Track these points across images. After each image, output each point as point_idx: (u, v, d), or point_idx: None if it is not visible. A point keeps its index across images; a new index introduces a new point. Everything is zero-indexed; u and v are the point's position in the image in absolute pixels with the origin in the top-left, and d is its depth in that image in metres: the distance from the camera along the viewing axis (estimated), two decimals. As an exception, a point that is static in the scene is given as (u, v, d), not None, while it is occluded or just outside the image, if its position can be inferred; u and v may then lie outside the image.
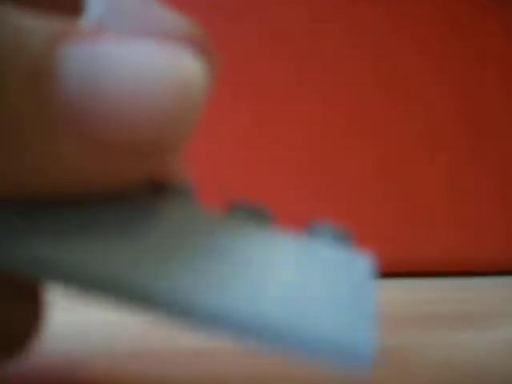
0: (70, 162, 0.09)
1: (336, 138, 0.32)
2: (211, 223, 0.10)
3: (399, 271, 0.32)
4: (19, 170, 0.09)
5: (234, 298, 0.09)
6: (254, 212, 0.11)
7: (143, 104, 0.09)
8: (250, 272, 0.10)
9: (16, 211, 0.09)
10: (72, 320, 0.20)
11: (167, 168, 0.11)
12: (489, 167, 0.33)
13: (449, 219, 0.32)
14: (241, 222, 0.11)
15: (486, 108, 0.33)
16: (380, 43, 0.32)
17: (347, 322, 0.10)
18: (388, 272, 0.31)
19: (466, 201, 0.32)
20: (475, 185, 0.33)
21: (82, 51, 0.09)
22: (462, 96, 0.33)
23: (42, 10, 0.12)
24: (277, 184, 0.32)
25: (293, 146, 0.32)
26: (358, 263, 0.11)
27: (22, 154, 0.09)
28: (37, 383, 0.14)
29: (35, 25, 0.09)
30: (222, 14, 0.31)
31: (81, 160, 0.09)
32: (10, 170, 0.09)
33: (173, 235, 0.10)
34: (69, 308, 0.20)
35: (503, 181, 0.33)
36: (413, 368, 0.16)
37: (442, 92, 0.32)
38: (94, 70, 0.09)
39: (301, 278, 0.10)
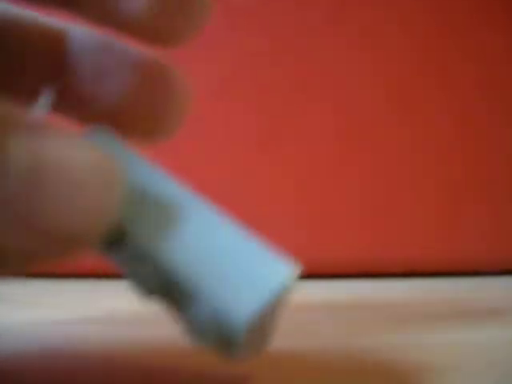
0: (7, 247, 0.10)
1: (335, 147, 0.32)
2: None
3: (399, 271, 0.32)
4: None
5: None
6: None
7: (73, 196, 0.10)
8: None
9: None
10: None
11: None
12: (489, 168, 0.33)
13: (449, 219, 0.32)
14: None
15: (483, 111, 0.33)
16: (383, 47, 0.32)
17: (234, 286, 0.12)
18: (388, 272, 0.31)
19: (466, 201, 0.32)
20: (474, 185, 0.33)
21: (27, 147, 0.10)
22: (459, 99, 0.33)
23: None
24: (275, 195, 0.32)
25: (293, 153, 0.32)
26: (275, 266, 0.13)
27: None
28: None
29: None
30: (224, 14, 0.31)
31: (17, 245, 0.10)
32: None
33: None
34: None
35: (503, 181, 0.33)
36: (413, 368, 0.16)
37: (440, 99, 0.32)
38: (36, 167, 0.10)
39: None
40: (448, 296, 0.27)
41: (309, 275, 0.30)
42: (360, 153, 0.32)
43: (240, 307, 0.11)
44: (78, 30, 0.15)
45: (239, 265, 0.12)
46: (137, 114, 0.15)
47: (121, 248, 0.12)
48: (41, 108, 0.13)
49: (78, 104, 0.14)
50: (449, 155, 0.32)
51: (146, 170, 0.13)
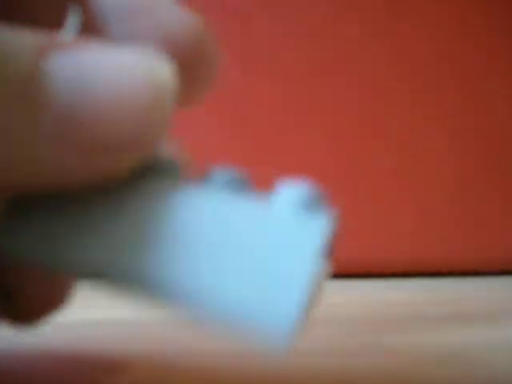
0: (55, 163, 0.10)
1: (335, 148, 0.32)
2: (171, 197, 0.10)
3: (400, 271, 0.32)
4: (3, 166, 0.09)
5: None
6: (232, 179, 0.11)
7: (123, 107, 0.10)
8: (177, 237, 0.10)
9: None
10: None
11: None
12: (490, 168, 0.33)
13: (448, 219, 0.32)
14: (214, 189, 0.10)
15: (494, 112, 0.33)
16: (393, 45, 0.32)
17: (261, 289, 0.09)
18: (388, 272, 0.31)
19: (467, 201, 0.32)
20: (475, 187, 0.33)
21: (66, 62, 0.10)
22: (472, 99, 0.33)
23: (23, 24, 0.12)
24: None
25: (293, 153, 0.32)
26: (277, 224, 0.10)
27: (5, 153, 0.09)
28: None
29: (21, 38, 0.10)
30: (231, 15, 0.31)
31: (67, 161, 0.10)
32: None
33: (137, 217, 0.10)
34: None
35: (503, 182, 0.33)
36: (413, 368, 0.16)
37: (454, 94, 0.32)
38: (79, 79, 0.09)
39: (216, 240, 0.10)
40: (448, 296, 0.27)
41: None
42: (360, 153, 0.32)
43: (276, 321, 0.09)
44: None
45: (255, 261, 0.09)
46: None
47: None
48: (70, 30, 0.13)
49: None
50: (449, 155, 0.32)
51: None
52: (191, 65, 0.13)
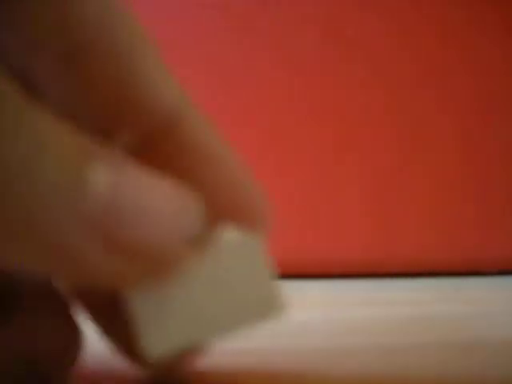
0: (95, 268, 0.11)
1: (334, 147, 0.32)
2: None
3: (400, 271, 0.32)
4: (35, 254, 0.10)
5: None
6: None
7: (155, 223, 0.11)
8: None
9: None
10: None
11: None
12: (490, 168, 0.33)
13: (449, 219, 0.32)
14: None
15: (481, 113, 0.33)
16: (382, 56, 0.32)
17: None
18: (388, 272, 0.31)
19: (467, 201, 0.32)
20: (475, 186, 0.33)
21: (108, 175, 0.10)
22: (462, 106, 0.33)
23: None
24: (276, 195, 0.32)
25: (294, 155, 0.32)
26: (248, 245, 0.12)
27: (37, 242, 0.10)
28: None
29: (70, 139, 0.10)
30: (232, 15, 0.31)
31: (104, 266, 0.11)
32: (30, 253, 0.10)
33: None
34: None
35: (503, 181, 0.33)
36: (413, 368, 0.16)
37: (437, 102, 0.32)
38: (117, 195, 0.10)
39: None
40: (448, 296, 0.27)
41: (309, 275, 0.30)
42: (360, 153, 0.32)
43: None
44: None
45: None
46: None
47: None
48: (119, 146, 0.13)
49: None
50: (449, 156, 0.32)
51: None
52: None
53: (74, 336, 0.14)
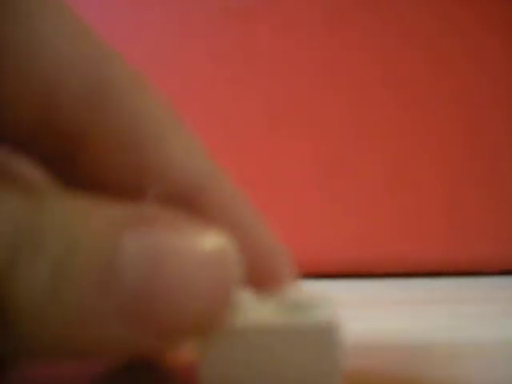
0: (132, 345, 0.10)
1: (334, 146, 0.32)
2: None
3: (400, 271, 0.32)
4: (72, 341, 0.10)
5: None
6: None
7: (195, 296, 0.10)
8: None
9: None
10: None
11: None
12: (489, 169, 0.33)
13: (449, 220, 0.32)
14: None
15: (486, 115, 0.33)
16: (387, 49, 0.32)
17: None
18: (388, 272, 0.31)
19: (466, 201, 0.32)
20: (475, 186, 0.33)
21: (140, 245, 0.10)
22: (462, 102, 0.33)
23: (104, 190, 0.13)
24: (276, 197, 0.32)
25: (293, 153, 0.32)
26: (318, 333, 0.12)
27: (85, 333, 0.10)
28: None
29: (97, 210, 0.10)
30: (235, 16, 0.31)
31: (143, 342, 0.10)
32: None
33: None
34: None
35: (503, 182, 0.33)
36: (414, 368, 0.16)
37: (445, 100, 0.32)
38: (153, 264, 0.10)
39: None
40: (448, 296, 0.27)
41: (309, 275, 0.30)
42: (359, 153, 0.32)
43: None
44: None
45: None
46: None
47: None
48: (149, 203, 0.13)
49: None
50: (449, 155, 0.32)
51: None
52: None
53: None
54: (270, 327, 0.11)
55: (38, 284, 0.10)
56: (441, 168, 0.32)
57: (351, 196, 0.32)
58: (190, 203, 0.14)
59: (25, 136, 0.12)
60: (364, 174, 0.32)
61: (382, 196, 0.32)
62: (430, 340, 0.19)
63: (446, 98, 0.32)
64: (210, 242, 0.10)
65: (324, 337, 0.12)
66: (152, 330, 0.10)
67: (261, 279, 0.14)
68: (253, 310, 0.12)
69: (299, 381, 0.11)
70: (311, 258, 0.31)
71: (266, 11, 0.32)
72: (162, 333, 0.10)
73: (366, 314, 0.23)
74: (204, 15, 0.32)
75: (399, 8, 0.32)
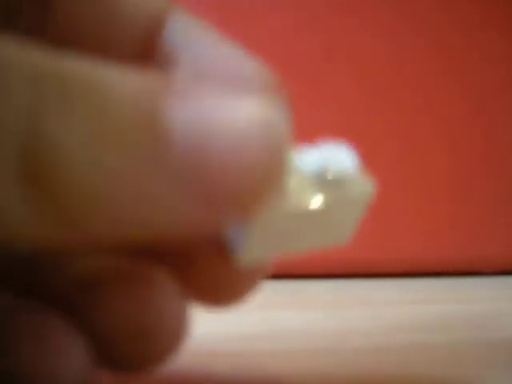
0: (182, 216, 0.10)
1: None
2: None
3: (399, 271, 0.32)
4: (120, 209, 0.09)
5: None
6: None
7: (245, 156, 0.10)
8: None
9: None
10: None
11: None
12: (490, 169, 0.33)
13: (448, 219, 0.32)
14: None
15: (493, 110, 0.33)
16: (391, 42, 0.32)
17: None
18: (388, 272, 0.31)
19: (466, 201, 0.32)
20: (475, 186, 0.33)
21: (186, 109, 0.10)
22: (471, 97, 0.32)
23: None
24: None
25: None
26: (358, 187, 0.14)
27: (133, 207, 0.09)
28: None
29: (134, 80, 0.10)
30: (233, 15, 0.31)
31: (194, 214, 0.10)
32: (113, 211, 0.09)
33: None
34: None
35: (503, 182, 0.33)
36: (413, 368, 0.16)
37: (452, 92, 0.32)
38: (200, 127, 0.09)
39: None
40: (449, 296, 0.27)
41: (309, 275, 0.30)
42: (359, 152, 0.32)
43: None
44: None
45: None
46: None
47: None
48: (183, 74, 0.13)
49: None
50: (449, 156, 0.32)
51: None
52: None
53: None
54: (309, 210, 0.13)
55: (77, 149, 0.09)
56: (442, 169, 0.32)
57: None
58: (151, 38, 0.13)
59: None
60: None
61: (383, 197, 0.32)
62: (430, 340, 0.19)
63: (456, 94, 0.32)
64: (255, 110, 0.10)
65: (358, 205, 0.14)
66: (205, 200, 0.10)
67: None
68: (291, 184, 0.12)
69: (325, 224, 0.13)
70: (314, 258, 0.31)
71: None
72: (217, 203, 0.10)
73: (366, 313, 0.23)
74: None
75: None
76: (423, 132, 0.32)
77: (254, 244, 0.12)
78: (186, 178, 0.09)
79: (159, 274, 0.13)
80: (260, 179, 0.10)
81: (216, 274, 0.14)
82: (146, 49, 0.13)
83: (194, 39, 0.13)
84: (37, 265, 0.13)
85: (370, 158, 0.31)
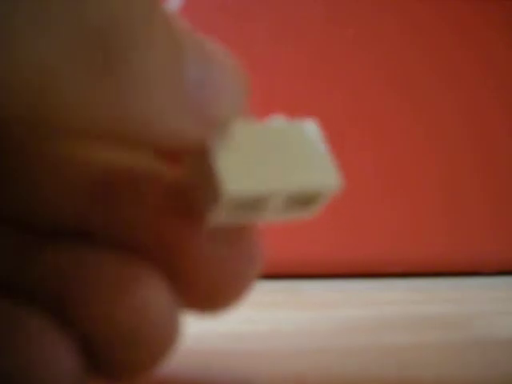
0: (174, 123, 0.12)
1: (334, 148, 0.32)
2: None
3: (399, 271, 0.32)
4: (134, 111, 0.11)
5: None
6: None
7: (231, 91, 0.13)
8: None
9: None
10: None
11: None
12: (489, 168, 0.33)
13: (449, 219, 0.32)
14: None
15: (486, 112, 0.33)
16: (388, 46, 0.32)
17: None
18: (388, 272, 0.31)
19: (465, 201, 0.32)
20: (475, 186, 0.33)
21: (200, 57, 0.12)
22: (463, 99, 0.33)
23: None
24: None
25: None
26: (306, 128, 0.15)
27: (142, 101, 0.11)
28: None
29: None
30: (231, 15, 0.31)
31: (189, 132, 0.12)
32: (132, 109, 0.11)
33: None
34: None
35: (502, 182, 0.33)
36: (413, 368, 0.16)
37: (445, 95, 0.32)
38: (206, 61, 0.12)
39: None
40: (449, 296, 0.27)
41: (309, 275, 0.30)
42: (359, 152, 0.32)
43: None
44: None
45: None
46: None
47: None
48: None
49: None
50: (449, 155, 0.32)
51: None
52: None
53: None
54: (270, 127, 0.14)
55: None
56: (441, 168, 0.32)
57: (351, 196, 0.32)
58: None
59: None
60: (362, 174, 0.32)
61: (382, 196, 0.32)
62: (429, 339, 0.19)
63: (447, 96, 0.32)
64: (235, 62, 0.13)
65: (312, 132, 0.15)
66: (204, 117, 0.12)
67: None
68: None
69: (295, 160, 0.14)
70: (311, 257, 0.31)
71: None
72: (211, 120, 0.12)
73: (362, 313, 0.23)
74: None
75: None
76: (423, 132, 0.32)
77: (228, 171, 0.13)
78: (195, 106, 0.12)
79: (152, 281, 0.13)
80: (235, 104, 0.13)
81: (209, 275, 0.14)
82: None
83: None
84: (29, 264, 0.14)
85: (367, 160, 0.31)
